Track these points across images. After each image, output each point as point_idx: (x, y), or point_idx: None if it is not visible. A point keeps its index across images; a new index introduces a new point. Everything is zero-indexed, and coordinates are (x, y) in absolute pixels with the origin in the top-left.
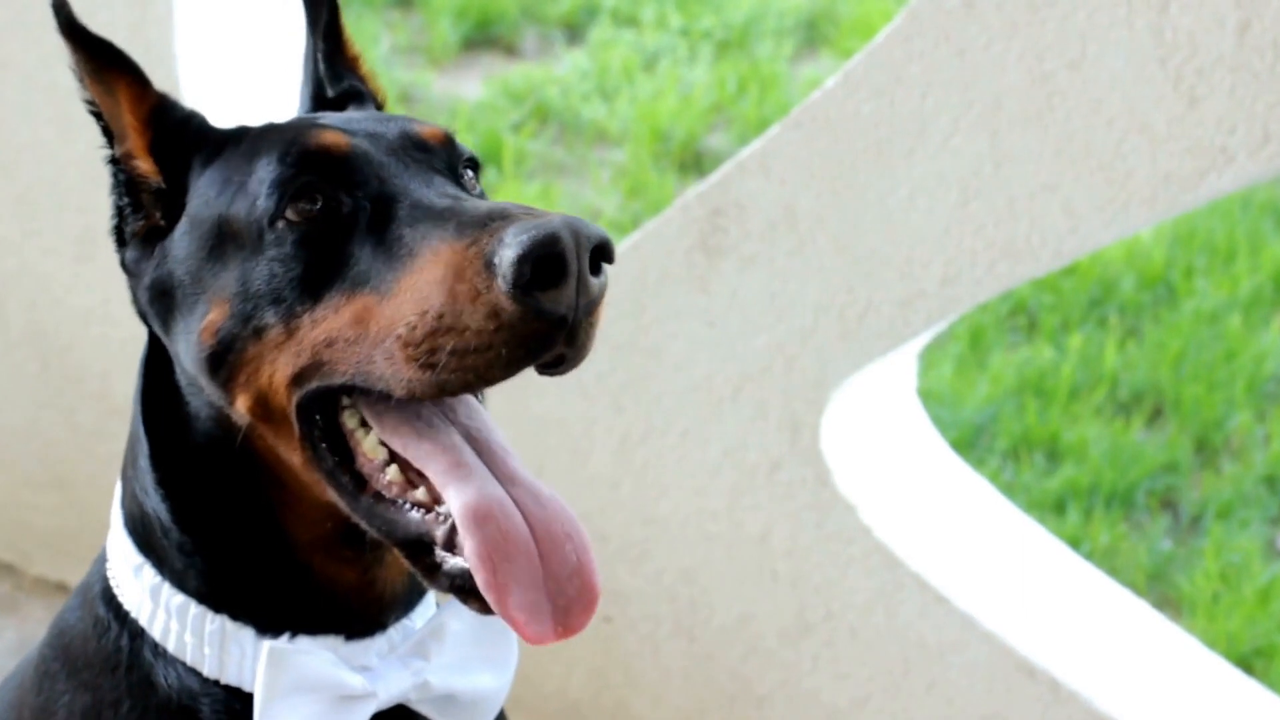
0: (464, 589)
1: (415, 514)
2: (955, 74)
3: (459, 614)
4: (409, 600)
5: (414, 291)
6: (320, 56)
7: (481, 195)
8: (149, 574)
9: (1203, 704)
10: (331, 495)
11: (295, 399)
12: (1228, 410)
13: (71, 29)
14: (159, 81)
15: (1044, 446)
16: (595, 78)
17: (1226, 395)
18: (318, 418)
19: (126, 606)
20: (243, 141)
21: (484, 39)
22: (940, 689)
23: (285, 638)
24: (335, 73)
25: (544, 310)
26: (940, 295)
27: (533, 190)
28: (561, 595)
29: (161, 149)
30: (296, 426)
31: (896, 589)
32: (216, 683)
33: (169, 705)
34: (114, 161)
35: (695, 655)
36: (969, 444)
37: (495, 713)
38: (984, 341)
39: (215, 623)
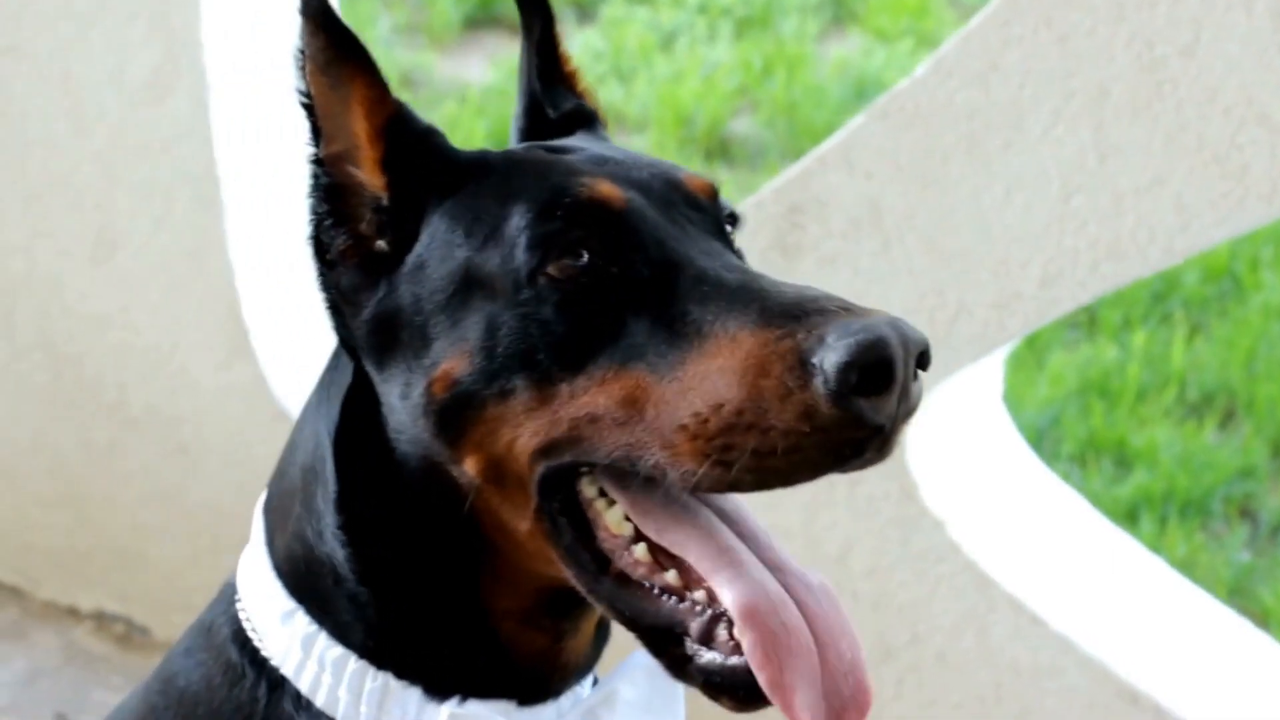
0: (719, 686)
1: (668, 601)
2: (1056, 61)
3: (632, 681)
4: (585, 667)
5: (705, 379)
6: (534, 72)
7: (740, 255)
8: (302, 622)
9: None
10: (566, 573)
11: (539, 470)
12: None
13: (320, 8)
14: (182, 71)
15: (1112, 451)
16: (610, 58)
17: None
18: (555, 488)
19: (266, 654)
20: (490, 174)
21: (487, 18)
22: (1035, 718)
23: (454, 701)
24: (553, 90)
25: (864, 419)
26: (1039, 297)
27: None
28: (837, 695)
29: (394, 164)
30: (535, 498)
31: (988, 610)
32: None
33: None
34: (318, 163)
35: None
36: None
37: None
38: (1041, 340)
39: (378, 680)
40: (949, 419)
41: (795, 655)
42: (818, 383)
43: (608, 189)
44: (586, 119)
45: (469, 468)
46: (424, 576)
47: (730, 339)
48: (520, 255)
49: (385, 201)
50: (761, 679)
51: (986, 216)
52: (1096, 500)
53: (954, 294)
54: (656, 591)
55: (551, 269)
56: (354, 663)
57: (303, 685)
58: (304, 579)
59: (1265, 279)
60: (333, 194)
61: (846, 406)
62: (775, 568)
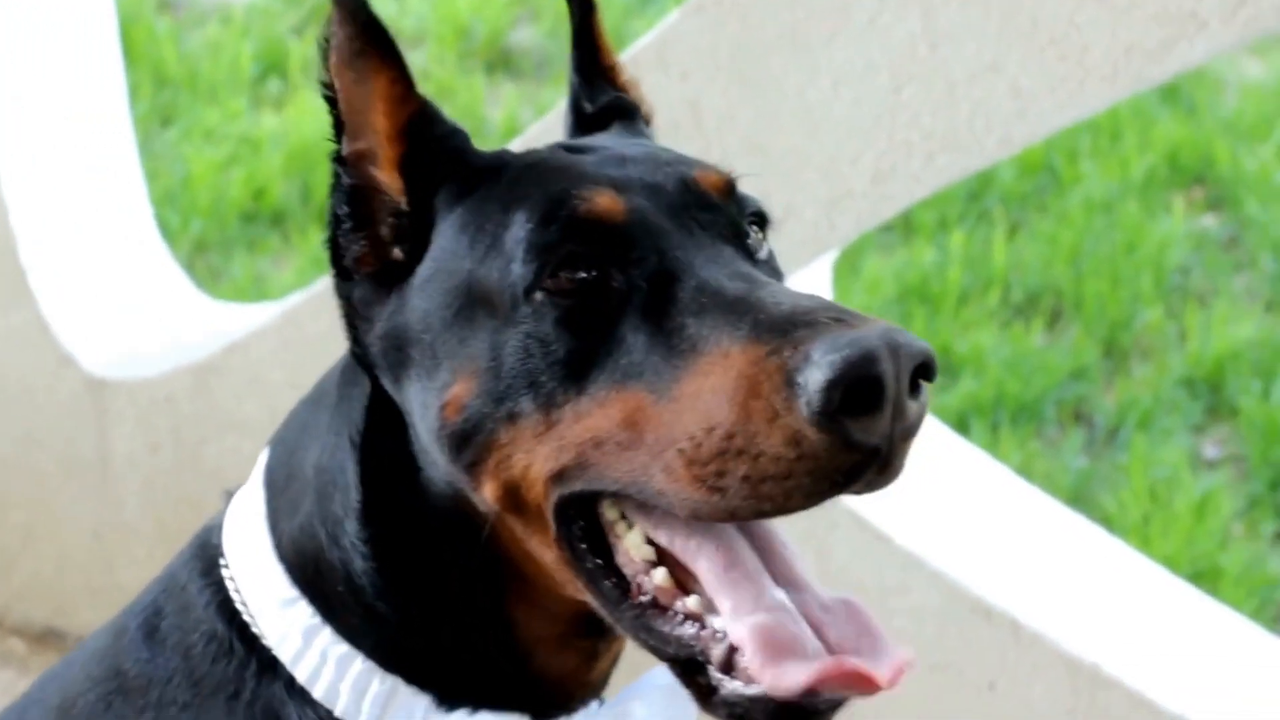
0: (743, 717)
1: (688, 628)
2: None
3: (645, 698)
4: (604, 684)
5: (698, 399)
6: (575, 65)
7: (770, 259)
8: (305, 612)
9: (1169, 628)
10: (590, 600)
11: (554, 498)
12: (1134, 307)
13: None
14: None
15: (936, 359)
16: None
17: (1131, 290)
18: (574, 513)
19: (259, 633)
20: (501, 178)
21: None
22: None
23: (464, 712)
24: (591, 83)
25: (854, 441)
26: (871, 195)
27: None
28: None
29: (413, 166)
30: (553, 526)
31: (828, 529)
32: None
33: None
34: (340, 160)
35: None
36: None
37: None
38: (855, 245)
39: (386, 683)
40: None
41: (798, 653)
42: (802, 404)
43: (606, 201)
44: (625, 112)
45: (488, 494)
46: (450, 599)
47: (723, 355)
48: (517, 269)
49: (404, 206)
50: (765, 680)
51: (813, 113)
52: None
53: (781, 196)
54: (679, 618)
55: (549, 284)
56: (361, 663)
57: (300, 674)
58: (311, 576)
59: (1085, 171)
60: (354, 196)
61: (833, 429)
62: (791, 584)
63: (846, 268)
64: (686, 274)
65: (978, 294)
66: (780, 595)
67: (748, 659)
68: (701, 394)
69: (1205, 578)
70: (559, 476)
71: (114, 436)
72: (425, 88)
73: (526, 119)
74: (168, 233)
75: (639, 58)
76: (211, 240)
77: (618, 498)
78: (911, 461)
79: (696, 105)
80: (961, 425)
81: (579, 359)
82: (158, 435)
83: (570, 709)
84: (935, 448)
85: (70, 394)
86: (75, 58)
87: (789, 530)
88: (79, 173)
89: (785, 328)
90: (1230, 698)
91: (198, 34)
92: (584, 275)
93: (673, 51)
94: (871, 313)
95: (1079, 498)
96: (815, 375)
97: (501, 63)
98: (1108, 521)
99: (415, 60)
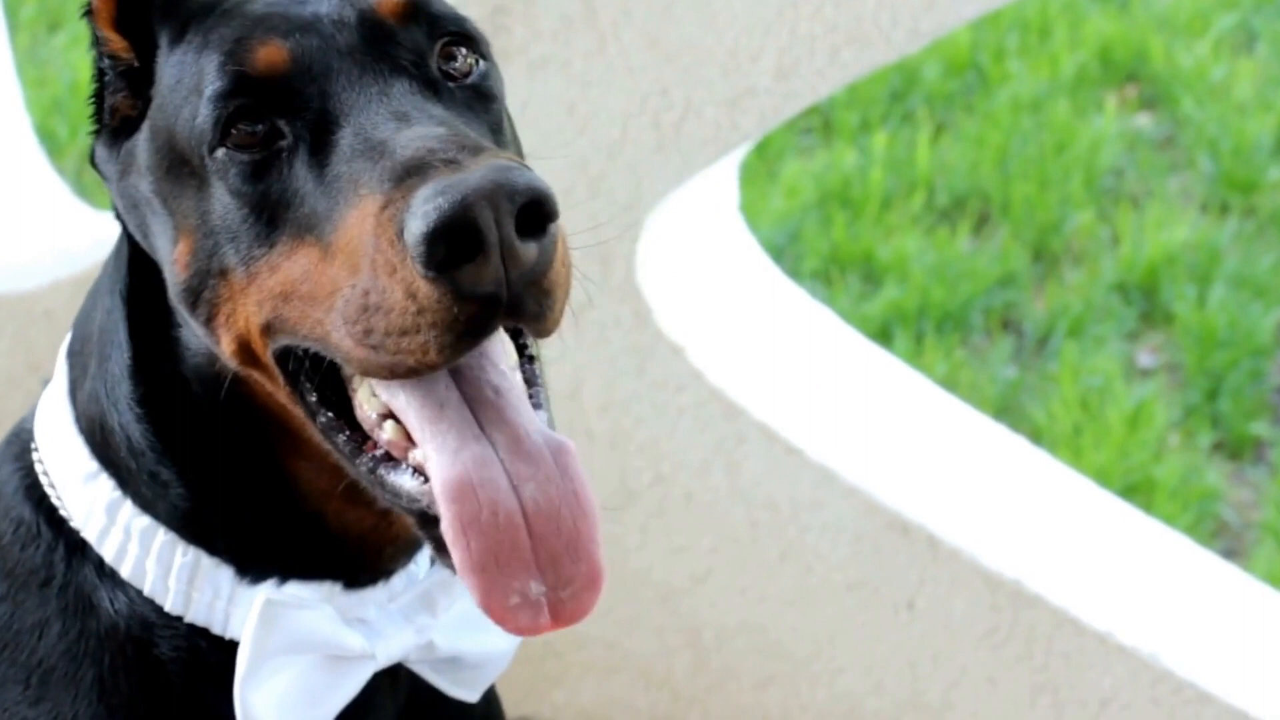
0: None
1: (415, 482)
2: None
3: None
4: (415, 545)
5: (346, 253)
6: None
7: (483, 78)
8: (106, 486)
9: (1096, 543)
10: (331, 452)
11: (271, 349)
12: (1065, 210)
13: None
14: None
15: (858, 266)
16: None
17: (1061, 193)
18: (307, 364)
19: (66, 514)
20: (206, 21)
21: None
22: (796, 556)
23: (273, 582)
24: None
25: (465, 291)
26: (774, 91)
27: None
28: (554, 574)
29: (131, 19)
30: (280, 376)
31: (738, 442)
32: (179, 618)
33: (115, 634)
34: (87, 14)
35: None
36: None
37: (497, 676)
38: (772, 147)
39: (188, 555)
40: (682, 235)
41: (490, 535)
42: (411, 260)
43: (268, 51)
44: None
45: (225, 349)
46: (224, 457)
47: (359, 206)
48: (200, 126)
49: (135, 62)
50: (455, 562)
51: (712, 5)
52: (845, 320)
53: (680, 93)
54: (410, 471)
55: (231, 140)
56: (163, 535)
57: (107, 553)
58: (101, 444)
59: (1013, 69)
60: (100, 51)
61: (442, 282)
62: (497, 431)
63: (763, 171)
64: (346, 118)
65: (901, 198)
66: (479, 446)
67: (450, 543)
68: (349, 247)
69: (1139, 491)
70: (268, 330)
71: None
72: None
73: None
74: (55, 142)
75: None
76: None
77: None
78: (822, 370)
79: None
80: (885, 335)
81: (265, 213)
82: (38, 353)
83: (384, 573)
84: (850, 357)
85: None
86: None
87: (689, 439)
88: None
89: (402, 175)
90: (1160, 616)
91: None
92: (257, 128)
93: None
94: (790, 220)
95: (1007, 409)
96: (413, 226)
97: None
98: (1038, 433)
99: None
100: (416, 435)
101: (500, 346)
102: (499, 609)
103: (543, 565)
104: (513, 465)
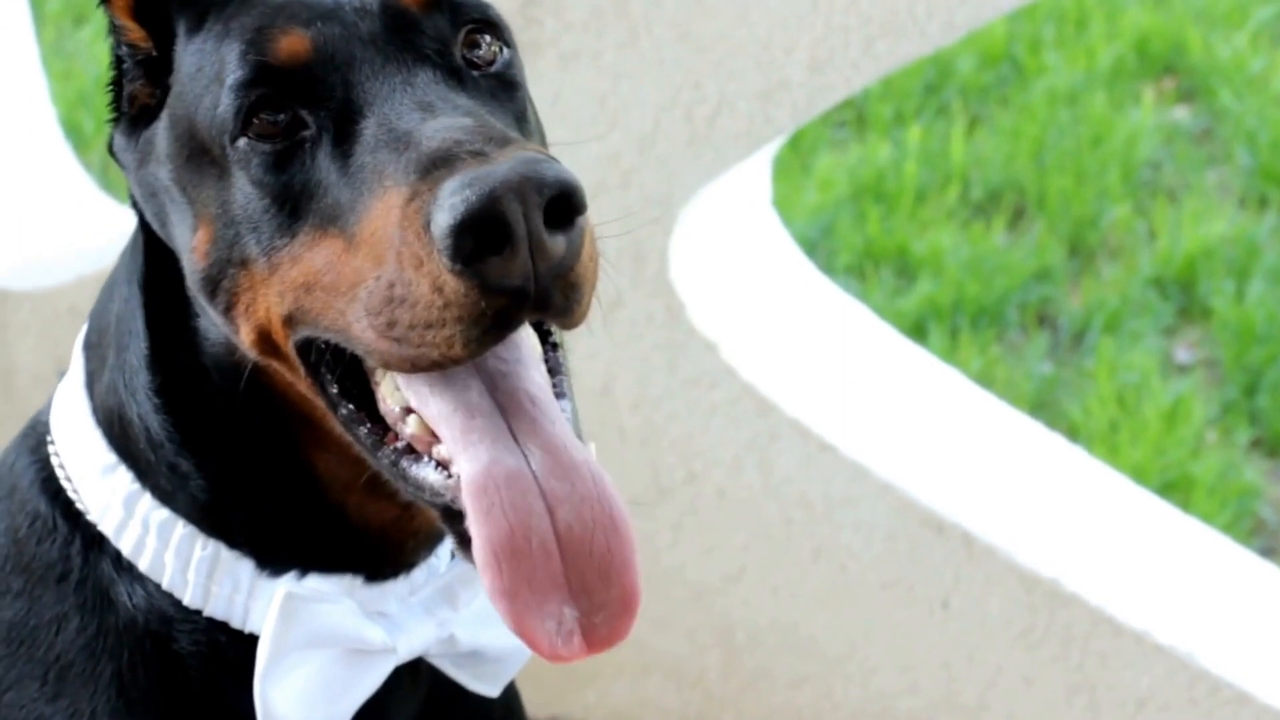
0: None
1: (440, 476)
2: None
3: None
4: (440, 536)
5: (371, 245)
6: None
7: (507, 66)
8: (124, 479)
9: (1133, 542)
10: (353, 444)
11: (292, 340)
12: (1101, 204)
13: None
14: None
15: (893, 260)
16: None
17: (1098, 187)
18: (329, 355)
19: (83, 508)
20: (228, 7)
21: None
22: (830, 554)
23: (293, 576)
24: None
25: (492, 285)
26: (809, 85)
27: None
28: (587, 599)
29: (146, 8)
30: (302, 370)
31: (771, 439)
32: (198, 612)
33: (133, 628)
34: (106, 3)
35: None
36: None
37: (518, 670)
38: (806, 141)
39: (208, 548)
40: (715, 230)
41: (523, 556)
42: (438, 253)
43: (290, 40)
44: None
45: (245, 340)
46: (245, 449)
47: (384, 197)
48: (222, 115)
49: (153, 51)
50: (485, 583)
51: None
52: (879, 315)
53: (713, 87)
54: (433, 464)
55: (253, 129)
56: (182, 528)
57: (125, 547)
58: (120, 435)
59: (1049, 61)
60: (118, 40)
61: (469, 276)
62: (533, 444)
63: (797, 165)
64: (370, 107)
65: (936, 192)
66: (513, 461)
67: (480, 565)
68: (374, 239)
69: (1176, 488)
70: (289, 321)
71: (18, 350)
72: None
73: None
74: (80, 137)
75: None
76: None
77: None
78: (856, 366)
79: None
80: (919, 330)
81: (289, 203)
82: (63, 349)
83: (405, 566)
84: (884, 353)
85: None
86: None
87: (722, 436)
88: None
89: (429, 166)
90: (1198, 614)
91: None
92: (279, 118)
93: None
94: (823, 214)
95: (1043, 405)
96: (441, 219)
97: None
98: (1074, 429)
99: None
100: (448, 442)
101: (533, 351)
102: (531, 634)
103: (575, 590)
104: (548, 483)
